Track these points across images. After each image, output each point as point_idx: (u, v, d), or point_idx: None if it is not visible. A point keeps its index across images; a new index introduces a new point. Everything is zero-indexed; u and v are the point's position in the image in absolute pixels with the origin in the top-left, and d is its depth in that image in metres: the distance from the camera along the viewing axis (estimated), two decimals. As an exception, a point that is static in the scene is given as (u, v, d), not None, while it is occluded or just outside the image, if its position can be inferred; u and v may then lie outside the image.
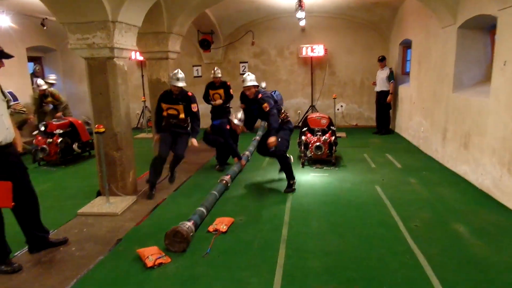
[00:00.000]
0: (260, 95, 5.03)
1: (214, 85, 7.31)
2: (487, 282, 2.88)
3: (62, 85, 11.54)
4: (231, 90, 7.36)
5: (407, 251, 3.37)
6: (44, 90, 8.20)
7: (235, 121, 5.91)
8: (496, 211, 4.25)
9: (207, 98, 7.44)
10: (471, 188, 5.07)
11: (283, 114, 5.20)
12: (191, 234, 3.56)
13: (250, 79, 5.02)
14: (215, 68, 7.37)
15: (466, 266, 3.11)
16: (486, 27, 5.51)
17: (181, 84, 4.85)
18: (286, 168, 5.14)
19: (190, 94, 5.01)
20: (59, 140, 6.79)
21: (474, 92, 5.45)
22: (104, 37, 4.39)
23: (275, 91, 5.82)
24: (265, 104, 4.92)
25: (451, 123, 5.97)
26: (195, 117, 5.07)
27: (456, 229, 3.82)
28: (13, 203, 2.92)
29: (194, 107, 5.00)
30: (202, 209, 4.04)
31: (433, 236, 3.69)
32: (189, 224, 3.60)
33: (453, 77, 5.84)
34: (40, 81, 8.30)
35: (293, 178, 5.18)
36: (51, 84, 8.76)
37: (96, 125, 4.48)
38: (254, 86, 5.02)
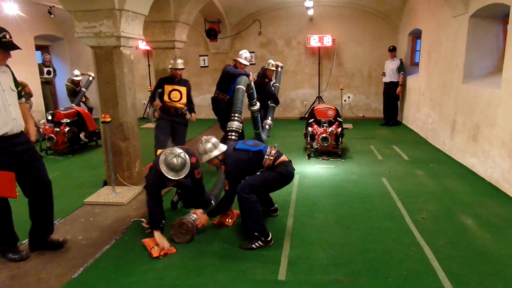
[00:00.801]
0: (223, 168, 3.48)
1: (172, 79, 5.15)
2: (494, 275, 2.85)
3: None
4: (191, 93, 5.50)
5: (413, 243, 3.35)
6: None
7: (242, 61, 5.69)
8: (504, 204, 4.19)
9: (154, 95, 5.20)
10: (479, 181, 5.00)
11: (268, 160, 3.41)
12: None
13: (206, 149, 3.42)
14: (175, 57, 5.18)
15: (472, 258, 3.09)
16: (499, 16, 5.38)
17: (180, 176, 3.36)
18: (248, 213, 3.32)
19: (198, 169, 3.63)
20: (66, 129, 6.83)
21: (484, 83, 5.34)
22: (111, 25, 4.37)
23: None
24: (225, 182, 3.46)
25: (460, 115, 5.88)
26: (199, 187, 3.74)
27: (463, 222, 3.78)
28: (17, 194, 2.90)
29: (198, 173, 3.62)
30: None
31: (440, 228, 3.66)
32: (195, 216, 3.61)
33: (464, 68, 5.73)
34: None
35: (263, 230, 3.34)
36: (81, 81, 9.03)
37: (103, 115, 4.49)
38: (215, 157, 3.45)
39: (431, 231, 3.60)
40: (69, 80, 9.16)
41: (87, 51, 9.78)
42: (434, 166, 5.75)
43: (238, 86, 5.27)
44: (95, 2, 4.25)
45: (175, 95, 5.13)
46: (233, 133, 4.85)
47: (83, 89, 9.06)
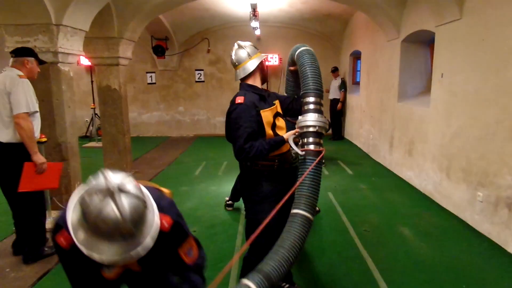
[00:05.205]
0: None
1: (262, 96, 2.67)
2: (428, 282, 3.03)
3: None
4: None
5: (357, 256, 3.48)
6: None
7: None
8: (437, 214, 4.52)
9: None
10: (415, 193, 5.36)
11: None
12: None
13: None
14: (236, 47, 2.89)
15: (410, 267, 3.27)
16: (426, 41, 5.92)
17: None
18: None
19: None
20: (-4, 150, 6.25)
21: (416, 102, 5.80)
22: (47, 40, 4.14)
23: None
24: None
25: (397, 131, 6.30)
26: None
27: (402, 232, 4.01)
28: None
29: (187, 252, 1.68)
30: None
31: (381, 240, 3.84)
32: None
33: (398, 88, 6.19)
34: None
35: None
36: None
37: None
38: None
39: (373, 243, 3.77)
40: None
41: (22, 66, 9.14)
42: (375, 179, 6.07)
43: (302, 48, 2.70)
44: (29, 16, 4.01)
45: (281, 124, 2.71)
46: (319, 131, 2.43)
47: None
